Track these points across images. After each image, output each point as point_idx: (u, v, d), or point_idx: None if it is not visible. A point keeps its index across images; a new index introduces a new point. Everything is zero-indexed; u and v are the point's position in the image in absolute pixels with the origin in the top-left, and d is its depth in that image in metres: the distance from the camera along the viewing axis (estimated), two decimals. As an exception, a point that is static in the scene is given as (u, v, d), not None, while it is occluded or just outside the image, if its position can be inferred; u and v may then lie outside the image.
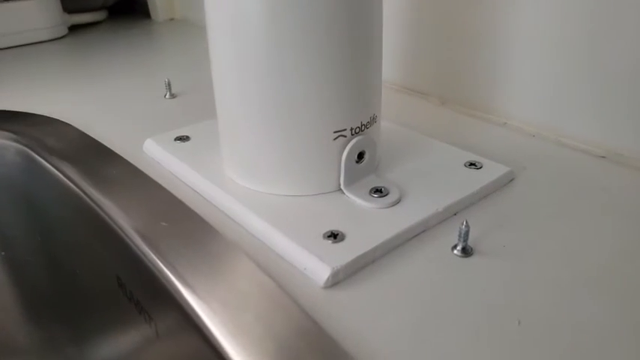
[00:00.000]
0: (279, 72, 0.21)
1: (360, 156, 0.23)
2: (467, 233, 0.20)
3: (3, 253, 0.31)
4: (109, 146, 0.29)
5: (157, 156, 0.27)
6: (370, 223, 0.21)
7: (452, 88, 0.34)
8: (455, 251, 0.20)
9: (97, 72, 0.43)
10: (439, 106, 0.34)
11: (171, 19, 0.60)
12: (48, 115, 0.34)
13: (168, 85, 0.35)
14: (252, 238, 0.21)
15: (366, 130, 0.23)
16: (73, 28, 0.55)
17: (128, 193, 0.24)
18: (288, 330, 0.17)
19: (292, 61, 0.20)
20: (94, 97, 0.38)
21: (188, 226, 0.22)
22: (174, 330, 0.20)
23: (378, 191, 0.23)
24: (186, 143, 0.28)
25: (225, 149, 0.25)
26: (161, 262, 0.20)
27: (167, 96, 0.36)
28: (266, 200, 0.23)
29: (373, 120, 0.24)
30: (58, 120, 0.33)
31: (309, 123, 0.22)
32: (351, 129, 0.22)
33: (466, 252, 0.20)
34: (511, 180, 0.25)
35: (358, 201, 0.22)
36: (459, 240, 0.20)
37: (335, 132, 0.22)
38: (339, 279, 0.19)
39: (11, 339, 0.33)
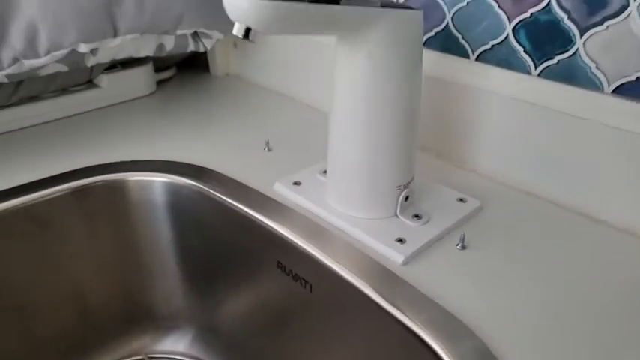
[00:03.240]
0: (373, 152, 0.41)
1: (407, 198, 0.44)
2: (463, 238, 0.42)
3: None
4: (252, 187, 0.49)
5: (286, 194, 0.47)
6: (416, 233, 0.42)
7: (443, 146, 0.55)
8: (457, 247, 0.42)
9: (196, 123, 0.62)
10: (435, 158, 0.56)
11: (227, 74, 0.79)
12: (188, 162, 0.53)
13: (267, 142, 0.55)
14: (349, 239, 0.42)
15: (409, 184, 0.44)
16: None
17: (276, 214, 0.44)
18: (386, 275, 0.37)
19: (379, 149, 0.41)
20: (210, 147, 0.57)
21: (318, 233, 0.42)
22: (327, 287, 0.40)
23: (417, 216, 0.44)
24: (300, 186, 0.48)
25: (332, 189, 0.45)
26: (311, 251, 0.40)
27: (266, 149, 0.56)
28: (356, 220, 0.43)
29: (412, 178, 0.45)
30: (201, 166, 0.52)
31: (385, 180, 0.42)
32: (404, 184, 0.43)
33: (464, 247, 0.42)
34: (481, 209, 0.47)
35: (407, 222, 0.43)
36: (459, 241, 0.42)
37: (397, 187, 0.43)
38: (407, 261, 0.40)
39: (175, 305, 0.53)
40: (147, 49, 0.59)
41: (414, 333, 0.34)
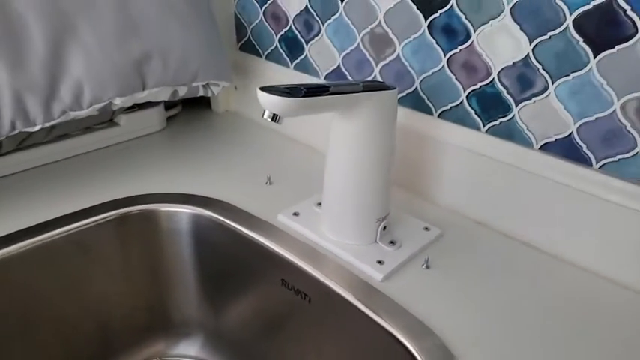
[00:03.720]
0: (359, 194, 0.53)
1: (385, 228, 0.56)
2: (428, 260, 0.54)
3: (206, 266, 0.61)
4: (259, 217, 0.60)
5: (287, 224, 0.59)
6: (392, 256, 0.54)
7: (411, 183, 0.67)
8: (423, 267, 0.54)
9: (203, 158, 0.73)
10: (405, 192, 0.68)
11: (227, 111, 0.90)
12: (200, 194, 0.64)
13: (269, 178, 0.67)
14: (340, 261, 0.54)
15: (386, 217, 0.56)
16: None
17: (281, 241, 0.56)
18: (369, 289, 0.49)
19: (364, 191, 0.53)
20: (218, 180, 0.68)
21: (316, 256, 0.54)
22: (323, 299, 0.51)
23: (392, 242, 0.56)
24: (299, 217, 0.59)
25: (326, 220, 0.57)
26: (311, 270, 0.52)
27: (267, 183, 0.67)
28: (345, 245, 0.55)
29: (389, 212, 0.57)
30: (215, 199, 0.63)
31: (368, 215, 0.54)
32: (383, 217, 0.55)
33: (428, 267, 0.54)
34: (441, 236, 0.59)
35: (385, 247, 0.55)
36: (425, 262, 0.54)
37: (377, 219, 0.55)
38: (385, 279, 0.51)
39: (189, 314, 0.63)
40: (164, 96, 0.70)
41: (390, 334, 0.46)
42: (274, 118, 0.40)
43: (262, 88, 0.40)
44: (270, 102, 0.39)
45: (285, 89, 0.42)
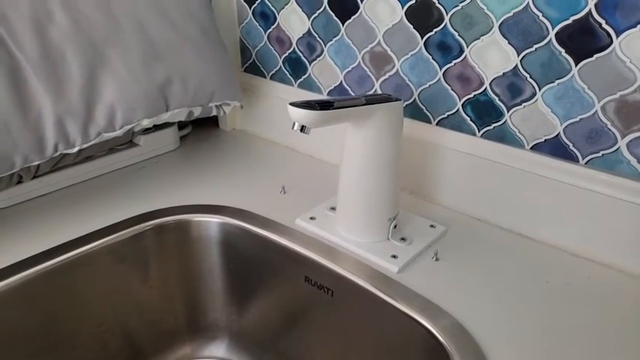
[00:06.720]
0: (372, 196, 0.59)
1: (395, 226, 0.62)
2: (437, 253, 0.59)
3: (232, 265, 0.66)
4: (279, 222, 0.65)
5: (305, 227, 0.64)
6: (404, 251, 0.60)
7: (416, 186, 0.73)
8: (433, 259, 0.59)
9: (219, 172, 0.78)
10: (410, 195, 0.74)
11: (234, 129, 0.96)
12: (226, 205, 0.69)
13: (283, 187, 0.72)
14: (357, 257, 0.59)
15: (396, 216, 0.62)
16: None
17: (302, 242, 0.61)
18: (387, 280, 0.55)
19: (376, 193, 0.59)
20: (236, 192, 0.73)
21: (335, 254, 0.59)
22: (345, 292, 0.57)
23: (403, 239, 0.61)
24: (316, 220, 0.65)
25: (341, 222, 0.62)
26: (332, 266, 0.57)
27: (282, 192, 0.72)
28: (360, 243, 0.60)
29: (398, 212, 0.62)
30: (238, 208, 0.68)
31: (380, 215, 0.60)
32: (393, 216, 0.61)
33: (437, 259, 0.59)
34: (446, 232, 0.65)
35: (397, 243, 0.61)
36: (434, 255, 0.60)
37: (388, 219, 0.60)
38: (400, 270, 0.57)
39: (215, 316, 0.68)
40: (181, 116, 0.75)
41: (410, 317, 0.51)
42: (302, 129, 0.46)
43: (292, 104, 0.46)
44: (299, 115, 0.45)
45: (303, 103, 0.48)
